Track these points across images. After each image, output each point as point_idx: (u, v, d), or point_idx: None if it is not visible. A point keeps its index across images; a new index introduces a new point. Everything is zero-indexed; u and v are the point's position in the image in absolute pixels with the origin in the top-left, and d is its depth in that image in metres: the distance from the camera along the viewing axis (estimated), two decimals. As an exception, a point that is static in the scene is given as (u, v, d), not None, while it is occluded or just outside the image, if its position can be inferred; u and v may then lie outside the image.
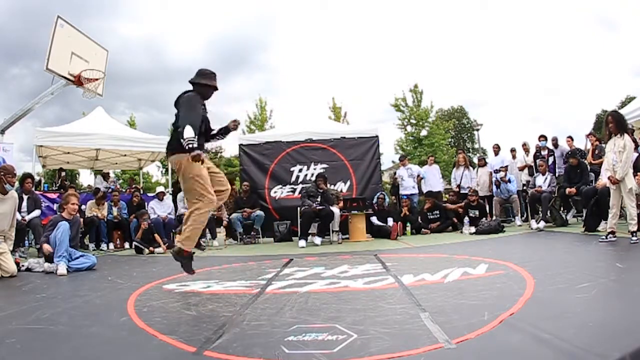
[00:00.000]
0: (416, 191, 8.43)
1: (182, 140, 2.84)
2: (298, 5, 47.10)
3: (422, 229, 7.29)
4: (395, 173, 9.08)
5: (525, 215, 7.68)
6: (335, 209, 6.72)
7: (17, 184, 4.35)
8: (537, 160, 7.64)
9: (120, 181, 12.77)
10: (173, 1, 45.69)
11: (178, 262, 3.03)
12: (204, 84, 3.19)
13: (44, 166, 9.78)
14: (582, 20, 48.26)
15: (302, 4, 49.03)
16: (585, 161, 6.94)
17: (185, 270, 3.05)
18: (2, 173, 4.04)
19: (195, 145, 2.81)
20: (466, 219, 7.12)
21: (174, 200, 7.65)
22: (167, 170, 12.69)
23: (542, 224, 6.32)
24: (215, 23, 45.53)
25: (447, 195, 8.42)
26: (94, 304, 2.66)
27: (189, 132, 2.84)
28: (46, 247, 4.19)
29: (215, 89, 3.27)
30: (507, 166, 8.06)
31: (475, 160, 11.12)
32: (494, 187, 7.82)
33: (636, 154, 4.59)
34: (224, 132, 3.38)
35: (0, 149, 6.84)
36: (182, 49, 42.78)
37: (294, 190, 8.04)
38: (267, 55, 44.90)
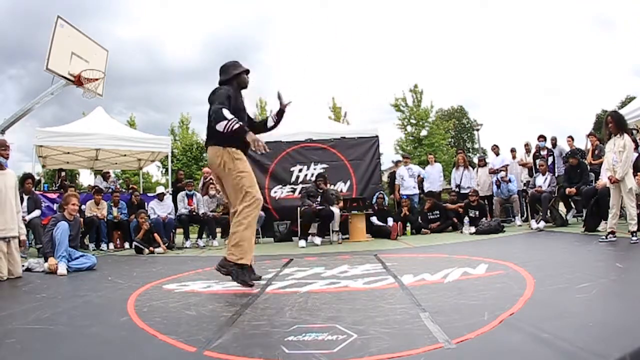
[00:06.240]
0: (416, 191, 8.42)
1: (219, 128, 2.62)
2: (298, 5, 47.18)
3: (422, 229, 7.29)
4: (394, 173, 9.05)
5: (525, 215, 7.69)
6: (335, 209, 6.72)
7: (17, 183, 4.28)
8: (537, 160, 7.65)
9: (120, 181, 12.75)
10: (169, 2, 45.70)
11: (227, 275, 2.77)
12: (235, 75, 3.01)
13: (44, 166, 9.78)
14: (582, 20, 48.31)
15: (302, 4, 49.09)
16: (585, 161, 6.94)
17: (241, 283, 2.77)
18: None
19: (237, 125, 2.61)
20: (466, 219, 7.12)
21: (174, 201, 7.65)
22: (167, 170, 12.68)
23: (542, 224, 6.32)
24: (211, 23, 45.55)
25: (447, 195, 8.41)
26: (94, 304, 2.65)
27: (227, 113, 2.63)
28: (52, 262, 4.09)
29: (247, 71, 3.08)
30: (507, 165, 8.08)
31: (475, 160, 11.12)
32: (494, 187, 7.82)
33: (636, 154, 4.59)
34: (279, 114, 3.13)
35: (0, 149, 6.84)
36: (178, 50, 42.88)
37: (294, 190, 8.04)
38: (266, 55, 44.91)
